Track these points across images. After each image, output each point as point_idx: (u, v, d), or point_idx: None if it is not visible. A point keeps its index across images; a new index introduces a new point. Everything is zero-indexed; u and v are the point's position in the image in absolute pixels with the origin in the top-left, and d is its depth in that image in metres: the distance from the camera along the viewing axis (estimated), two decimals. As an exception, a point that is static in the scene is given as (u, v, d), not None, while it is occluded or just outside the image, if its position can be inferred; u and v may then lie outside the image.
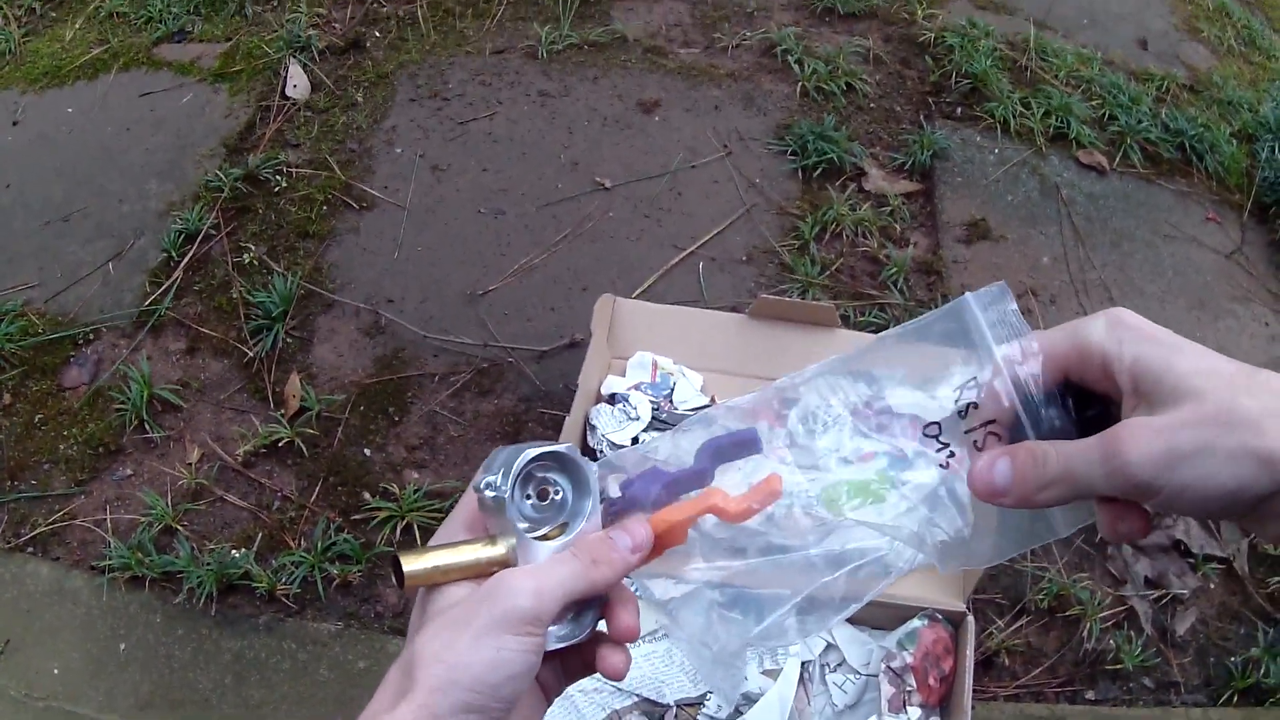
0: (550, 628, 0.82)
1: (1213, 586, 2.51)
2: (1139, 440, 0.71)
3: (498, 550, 0.84)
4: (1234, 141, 3.61)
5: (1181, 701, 2.33)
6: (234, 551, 2.35)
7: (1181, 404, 0.71)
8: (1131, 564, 2.50)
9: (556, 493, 0.88)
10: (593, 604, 0.87)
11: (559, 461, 0.88)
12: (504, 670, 0.76)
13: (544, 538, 0.86)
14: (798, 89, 3.41)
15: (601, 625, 0.90)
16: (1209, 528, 2.58)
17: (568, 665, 0.90)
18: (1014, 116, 3.45)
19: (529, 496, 0.86)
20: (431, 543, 0.87)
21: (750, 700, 1.86)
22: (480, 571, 0.83)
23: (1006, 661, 2.35)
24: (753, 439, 1.07)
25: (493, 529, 0.86)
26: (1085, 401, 0.81)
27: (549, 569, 0.82)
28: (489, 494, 0.83)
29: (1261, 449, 0.67)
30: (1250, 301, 3.14)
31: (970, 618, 1.92)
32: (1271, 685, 2.35)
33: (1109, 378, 0.77)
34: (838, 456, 2.27)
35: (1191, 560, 2.52)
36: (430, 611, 0.81)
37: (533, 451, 0.86)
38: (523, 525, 0.85)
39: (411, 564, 0.81)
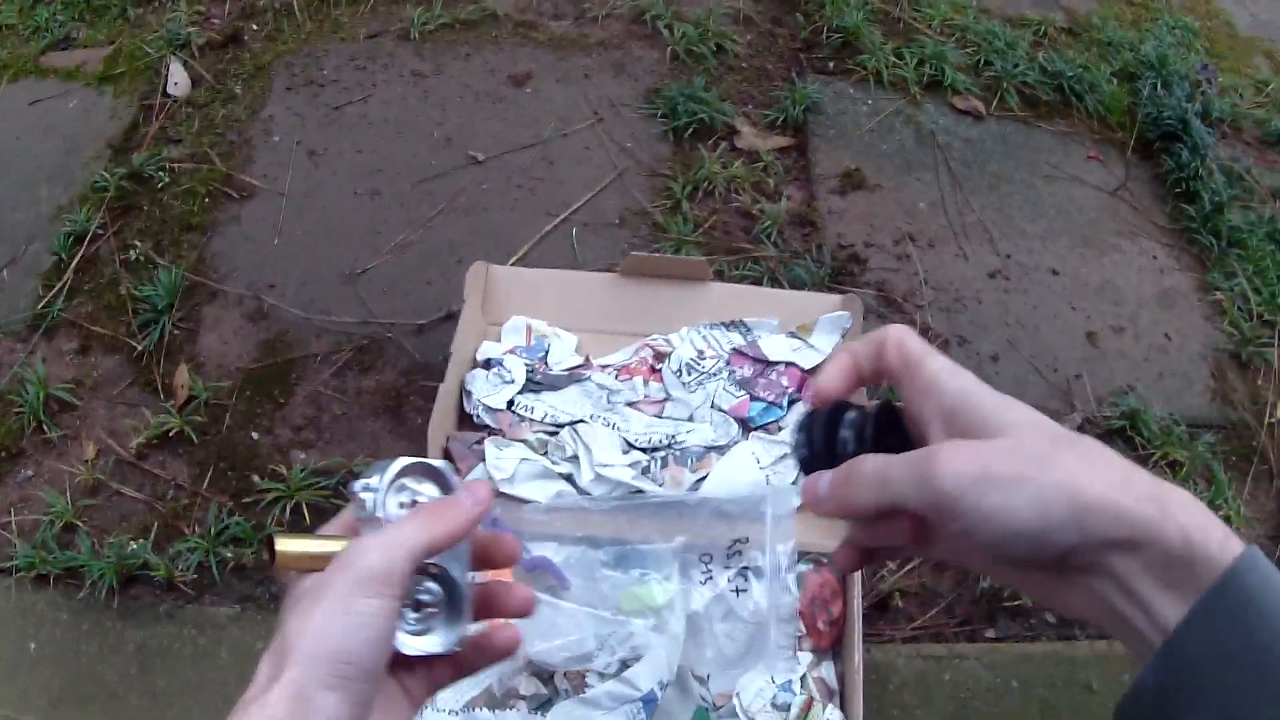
0: (416, 639, 0.84)
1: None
2: (955, 455, 0.70)
3: (336, 547, 0.82)
4: (1114, 81, 3.62)
5: (1086, 635, 2.35)
6: (132, 543, 2.34)
7: (1002, 435, 0.71)
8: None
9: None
10: (459, 611, 0.88)
11: (431, 475, 0.90)
12: (360, 635, 0.74)
13: None
14: (668, 53, 3.40)
15: (475, 628, 0.90)
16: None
17: (435, 672, 0.89)
18: (887, 67, 3.44)
19: (402, 505, 0.87)
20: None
21: (637, 655, 1.85)
22: (321, 563, 0.80)
23: (901, 604, 2.36)
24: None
25: (364, 532, 0.85)
26: None
27: (394, 528, 0.80)
28: (365, 495, 0.84)
29: (1076, 496, 0.66)
30: (1137, 236, 3.17)
31: (856, 560, 1.92)
32: (1176, 615, 2.38)
33: (922, 393, 0.78)
34: (712, 407, 2.30)
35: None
36: (295, 595, 0.80)
37: (407, 461, 0.87)
38: None
39: (285, 545, 0.81)
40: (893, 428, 0.81)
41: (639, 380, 2.23)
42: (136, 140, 3.16)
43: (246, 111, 3.21)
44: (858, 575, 1.92)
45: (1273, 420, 2.83)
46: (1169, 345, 2.92)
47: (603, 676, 1.84)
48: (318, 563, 0.80)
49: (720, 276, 2.66)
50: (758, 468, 2.11)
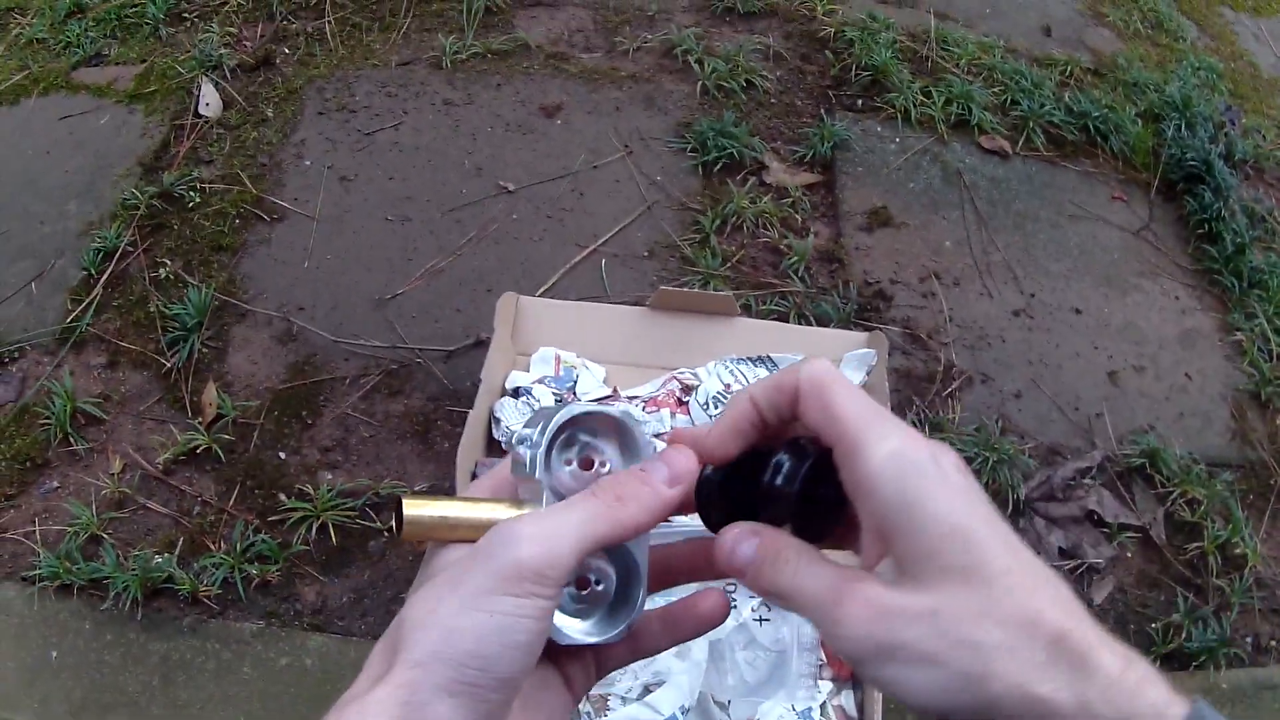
0: (576, 622, 0.71)
1: (1130, 555, 2.56)
2: (862, 615, 0.63)
3: (521, 512, 0.70)
4: (1139, 121, 3.67)
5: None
6: (157, 557, 2.38)
7: (926, 588, 0.62)
8: (1045, 536, 2.55)
9: (603, 464, 0.74)
10: (631, 595, 0.73)
11: (611, 428, 0.75)
12: (499, 639, 0.61)
13: None
14: (698, 88, 3.46)
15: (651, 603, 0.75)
16: (1123, 497, 2.64)
17: (605, 655, 0.77)
18: (915, 106, 3.50)
19: (569, 463, 0.73)
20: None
21: (660, 680, 1.88)
22: (469, 532, 0.68)
23: (920, 633, 2.37)
24: None
25: (523, 494, 0.73)
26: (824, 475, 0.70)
27: (558, 512, 0.66)
28: (522, 450, 0.71)
29: (984, 688, 0.60)
30: (1159, 276, 3.22)
31: (877, 591, 1.93)
32: (1194, 649, 2.41)
33: (856, 489, 0.66)
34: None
35: (1106, 530, 2.57)
36: (427, 573, 0.69)
37: (579, 409, 0.73)
38: (555, 493, 0.72)
39: (415, 508, 0.68)
40: (827, 473, 0.70)
41: (666, 412, 2.26)
42: (167, 159, 3.21)
43: (278, 135, 3.27)
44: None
45: (1292, 459, 2.86)
46: (1189, 385, 2.97)
47: (625, 700, 1.87)
48: (457, 532, 0.69)
49: (747, 311, 2.71)
50: (782, 499, 2.11)
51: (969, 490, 0.64)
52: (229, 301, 2.83)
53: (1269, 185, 3.66)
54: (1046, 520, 2.58)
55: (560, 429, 0.72)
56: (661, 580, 0.78)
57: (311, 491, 2.47)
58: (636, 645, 0.77)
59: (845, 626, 0.63)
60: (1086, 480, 2.65)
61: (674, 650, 1.90)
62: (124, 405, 2.67)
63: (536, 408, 2.18)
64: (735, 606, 1.95)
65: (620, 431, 0.74)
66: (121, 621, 2.32)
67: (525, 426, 0.72)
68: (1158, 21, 4.37)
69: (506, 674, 0.62)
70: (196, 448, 2.55)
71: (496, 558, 0.63)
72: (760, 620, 1.96)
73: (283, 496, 2.47)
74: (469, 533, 0.67)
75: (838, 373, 0.70)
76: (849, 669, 1.93)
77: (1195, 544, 2.60)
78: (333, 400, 2.66)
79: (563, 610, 0.70)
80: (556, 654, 0.71)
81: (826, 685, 1.91)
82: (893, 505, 0.63)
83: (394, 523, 0.68)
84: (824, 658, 1.93)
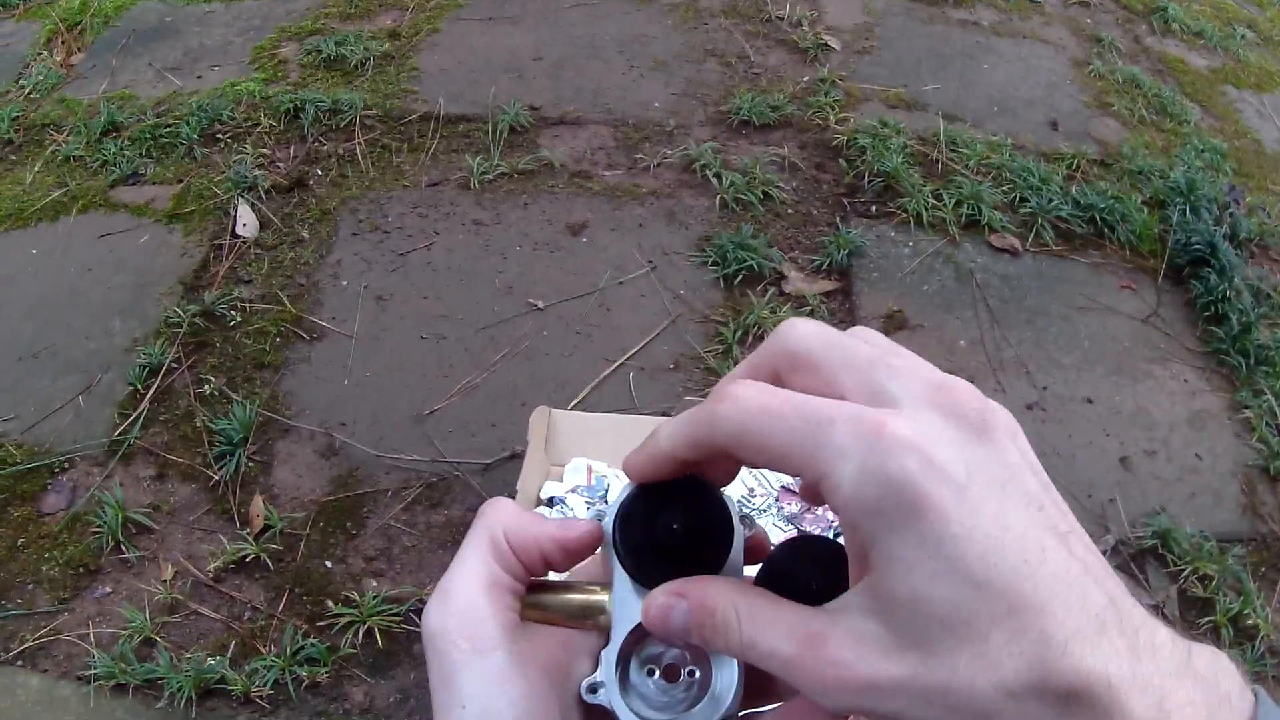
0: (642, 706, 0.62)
1: (1143, 632, 2.74)
2: (834, 685, 0.51)
3: (599, 597, 0.66)
4: (1145, 209, 3.86)
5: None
6: (209, 659, 2.55)
7: (910, 643, 0.49)
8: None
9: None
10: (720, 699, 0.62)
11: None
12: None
13: None
14: (717, 201, 3.70)
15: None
16: (1136, 578, 2.82)
17: None
18: (926, 209, 3.71)
19: None
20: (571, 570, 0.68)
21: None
22: (579, 618, 0.65)
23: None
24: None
25: (604, 575, 0.67)
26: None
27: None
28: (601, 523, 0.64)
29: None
30: (1169, 361, 3.40)
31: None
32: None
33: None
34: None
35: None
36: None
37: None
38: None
39: (533, 594, 0.66)
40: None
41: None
42: (208, 279, 3.45)
43: (314, 255, 3.52)
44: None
45: (1301, 528, 3.02)
46: (1199, 465, 3.14)
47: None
48: (552, 619, 0.66)
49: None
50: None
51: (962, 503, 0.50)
52: (272, 418, 3.04)
53: (1274, 261, 3.85)
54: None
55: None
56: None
57: (357, 598, 2.65)
58: None
59: (818, 695, 0.52)
60: (1100, 564, 2.82)
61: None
62: (173, 515, 2.87)
63: (570, 516, 2.36)
64: None
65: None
66: (177, 720, 2.52)
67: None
68: (1161, 107, 4.59)
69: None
70: (245, 557, 2.75)
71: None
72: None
73: (330, 603, 2.65)
74: (561, 620, 0.65)
75: (763, 386, 0.55)
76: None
77: (1208, 618, 2.74)
78: (375, 512, 2.85)
79: (648, 704, 0.63)
80: None
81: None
82: (865, 544, 0.51)
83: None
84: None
